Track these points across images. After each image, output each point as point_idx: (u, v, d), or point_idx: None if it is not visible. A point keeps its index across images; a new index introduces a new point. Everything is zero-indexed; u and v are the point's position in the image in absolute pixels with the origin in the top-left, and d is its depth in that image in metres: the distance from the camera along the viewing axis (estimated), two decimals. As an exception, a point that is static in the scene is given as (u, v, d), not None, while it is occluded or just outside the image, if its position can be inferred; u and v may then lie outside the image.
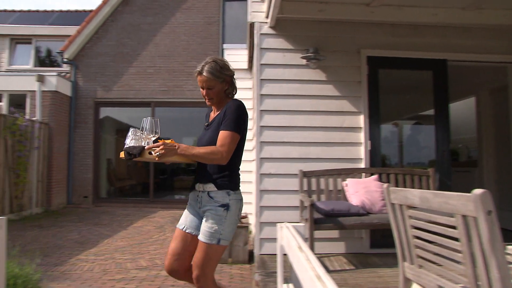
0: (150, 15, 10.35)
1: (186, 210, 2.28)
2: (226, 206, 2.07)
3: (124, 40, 10.25)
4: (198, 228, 2.16)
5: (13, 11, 14.29)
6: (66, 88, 9.78)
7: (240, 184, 2.19)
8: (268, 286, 3.28)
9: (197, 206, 2.19)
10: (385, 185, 2.00)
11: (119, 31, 10.35)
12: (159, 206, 9.52)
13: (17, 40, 11.96)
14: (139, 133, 2.08)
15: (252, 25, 4.61)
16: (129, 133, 2.09)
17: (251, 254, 4.60)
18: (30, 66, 11.76)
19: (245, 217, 4.82)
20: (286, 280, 2.10)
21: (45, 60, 12.28)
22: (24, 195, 8.19)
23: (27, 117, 8.58)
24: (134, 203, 9.81)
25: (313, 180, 4.26)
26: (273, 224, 4.19)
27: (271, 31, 4.46)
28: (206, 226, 2.07)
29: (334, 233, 4.24)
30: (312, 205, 3.55)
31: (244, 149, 2.20)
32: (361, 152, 4.43)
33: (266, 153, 4.30)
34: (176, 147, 1.93)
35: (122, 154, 1.98)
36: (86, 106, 10.07)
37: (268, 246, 4.20)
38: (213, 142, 2.08)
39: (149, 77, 9.98)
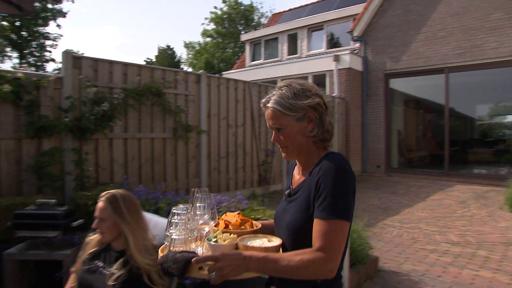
0: (437, -28, 9.51)
1: None
2: None
3: (410, 6, 9.88)
4: None
5: (306, 5, 16.47)
6: (357, 64, 10.47)
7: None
8: None
9: None
10: None
11: (404, -2, 10.07)
12: (455, 179, 8.86)
13: (312, 29, 13.76)
14: (185, 216, 1.35)
15: None
16: (170, 217, 1.37)
17: None
18: (323, 49, 13.29)
19: None
20: None
21: (333, 41, 13.52)
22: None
23: (327, 94, 9.79)
24: (426, 175, 9.53)
25: None
26: None
27: None
28: None
29: None
30: None
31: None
32: None
33: None
34: (246, 260, 1.12)
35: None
36: (376, 79, 10.45)
37: None
38: (298, 228, 1.29)
39: (441, 41, 9.24)
